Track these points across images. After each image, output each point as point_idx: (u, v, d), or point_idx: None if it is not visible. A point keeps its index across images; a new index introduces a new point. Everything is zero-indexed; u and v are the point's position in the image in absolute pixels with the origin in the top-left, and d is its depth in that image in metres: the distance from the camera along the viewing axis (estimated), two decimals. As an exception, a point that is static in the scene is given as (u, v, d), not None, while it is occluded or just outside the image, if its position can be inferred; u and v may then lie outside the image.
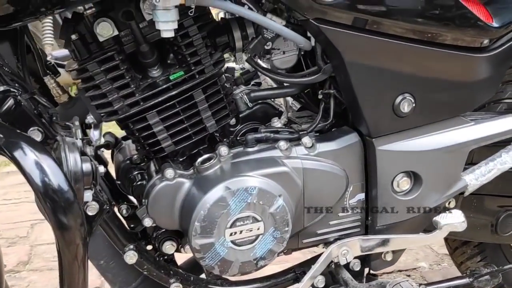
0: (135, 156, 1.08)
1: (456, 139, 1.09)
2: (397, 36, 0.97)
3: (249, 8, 1.03)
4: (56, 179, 0.64)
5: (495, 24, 1.00)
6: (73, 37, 0.92)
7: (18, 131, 0.72)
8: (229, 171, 0.97)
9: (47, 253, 2.12)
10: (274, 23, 0.96)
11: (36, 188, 0.64)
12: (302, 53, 1.10)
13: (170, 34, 0.87)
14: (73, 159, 0.76)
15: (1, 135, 0.64)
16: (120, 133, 1.15)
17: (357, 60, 0.96)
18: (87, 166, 0.79)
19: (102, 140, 1.16)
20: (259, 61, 1.10)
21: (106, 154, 1.19)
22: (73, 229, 0.66)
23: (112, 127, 1.17)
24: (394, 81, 1.00)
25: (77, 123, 0.93)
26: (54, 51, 1.22)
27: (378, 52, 0.97)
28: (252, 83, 1.25)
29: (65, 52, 1.28)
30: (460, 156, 1.11)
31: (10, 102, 0.77)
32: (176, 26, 0.87)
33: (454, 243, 1.52)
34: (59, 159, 0.77)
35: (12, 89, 0.82)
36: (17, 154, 0.62)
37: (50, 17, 1.17)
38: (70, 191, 0.66)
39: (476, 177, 1.13)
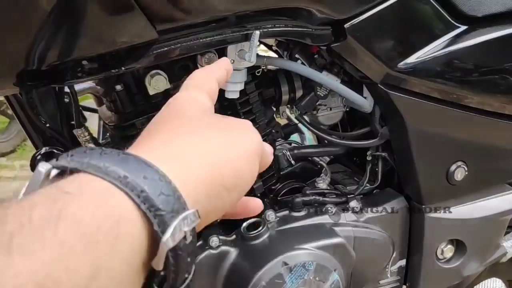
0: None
1: (501, 206, 1.06)
2: (458, 105, 0.93)
3: (302, 63, 0.97)
4: None
5: (549, 96, 0.99)
6: (118, 87, 0.82)
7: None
8: (281, 242, 0.89)
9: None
10: (347, 89, 0.89)
11: None
12: (347, 109, 1.05)
13: (236, 95, 0.79)
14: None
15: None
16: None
17: (419, 126, 0.92)
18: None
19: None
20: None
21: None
22: None
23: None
24: (451, 149, 0.96)
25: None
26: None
27: (439, 119, 0.93)
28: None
29: (80, 86, 1.16)
30: (502, 223, 1.08)
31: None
32: (243, 87, 0.79)
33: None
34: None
35: (55, 151, 0.71)
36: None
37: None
38: None
39: (515, 244, 1.11)
